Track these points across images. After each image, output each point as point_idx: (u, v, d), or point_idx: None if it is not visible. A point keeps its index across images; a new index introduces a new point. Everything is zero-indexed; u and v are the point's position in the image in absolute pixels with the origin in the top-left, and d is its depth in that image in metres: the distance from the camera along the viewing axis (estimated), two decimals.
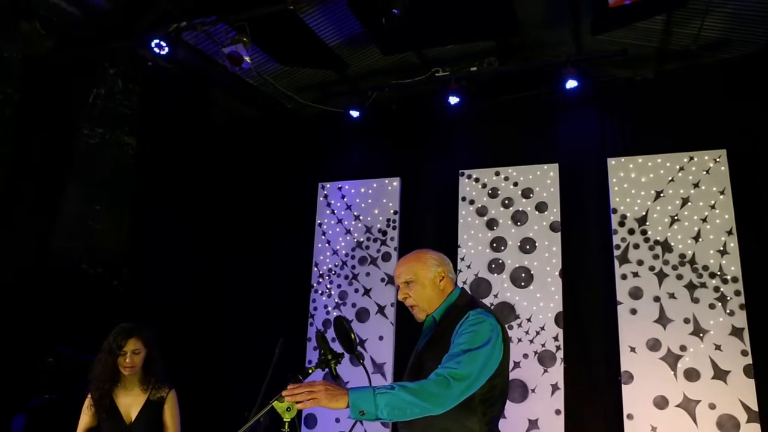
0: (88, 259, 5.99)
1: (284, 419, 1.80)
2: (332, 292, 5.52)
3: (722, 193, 4.60)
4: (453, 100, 5.58)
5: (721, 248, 4.50)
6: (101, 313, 5.63)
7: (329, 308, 5.53)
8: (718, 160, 4.65)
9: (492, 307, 4.20)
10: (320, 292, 5.62)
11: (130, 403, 2.68)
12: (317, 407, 1.72)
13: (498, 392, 1.94)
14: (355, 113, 5.94)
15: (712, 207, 4.60)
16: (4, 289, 5.03)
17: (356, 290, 5.45)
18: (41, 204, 5.55)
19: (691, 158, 4.73)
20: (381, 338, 5.22)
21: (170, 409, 2.74)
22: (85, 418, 2.66)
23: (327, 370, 1.89)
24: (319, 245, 5.76)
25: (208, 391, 5.59)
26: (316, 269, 5.70)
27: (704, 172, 4.68)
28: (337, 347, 1.98)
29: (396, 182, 5.65)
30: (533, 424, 4.59)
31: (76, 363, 4.65)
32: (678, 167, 4.75)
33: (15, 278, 5.16)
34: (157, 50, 5.01)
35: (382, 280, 5.37)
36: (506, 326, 2.10)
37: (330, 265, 5.63)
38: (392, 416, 1.67)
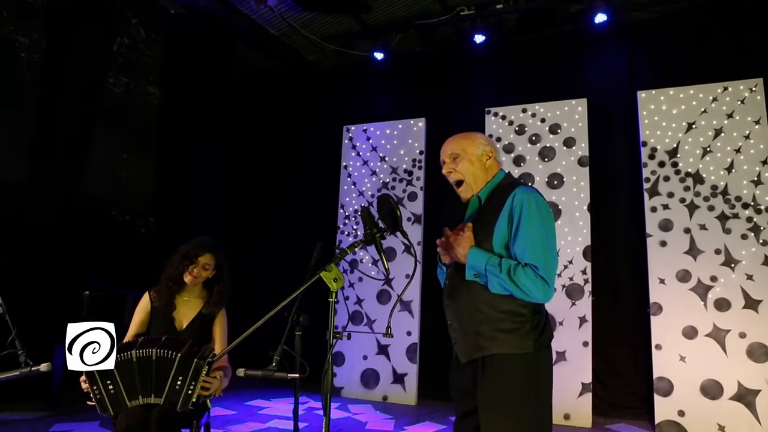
0: (117, 206, 6.12)
1: (331, 289, 1.84)
2: (358, 233, 5.56)
3: (757, 122, 4.49)
4: (479, 38, 5.51)
5: (755, 178, 4.42)
6: (130, 256, 5.78)
7: (356, 248, 5.57)
8: (754, 89, 4.53)
9: None
10: (346, 233, 5.66)
11: (185, 312, 2.74)
12: None
13: None
14: (379, 55, 5.92)
15: (747, 137, 4.50)
16: (42, 230, 5.17)
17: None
18: (71, 150, 5.64)
19: (726, 88, 4.61)
20: (407, 276, 5.27)
21: (220, 324, 2.80)
22: (140, 316, 2.70)
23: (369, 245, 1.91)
24: (345, 187, 5.78)
25: (240, 325, 5.71)
26: (342, 211, 5.74)
27: (739, 102, 4.56)
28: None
29: (421, 122, 5.62)
30: (561, 356, 4.62)
31: (109, 296, 4.80)
32: (711, 98, 4.64)
33: (51, 220, 5.30)
34: None
35: (409, 219, 5.39)
36: None
37: (356, 206, 5.66)
38: (492, 289, 1.82)
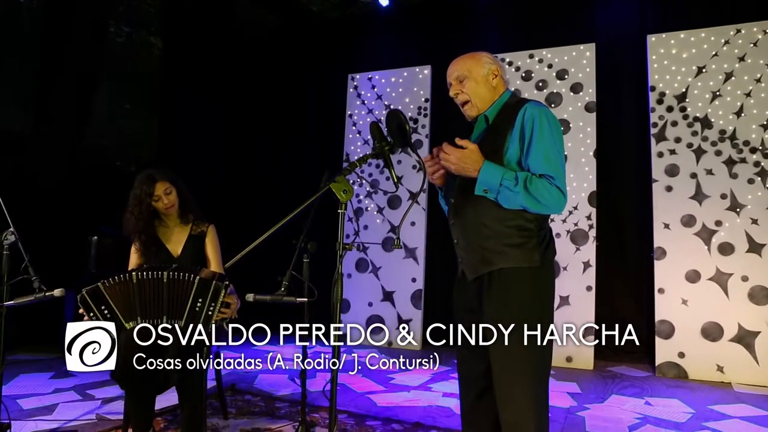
0: (121, 157, 6.12)
1: (341, 200, 1.85)
2: (363, 182, 5.56)
3: None
4: None
5: (765, 122, 4.37)
6: None
7: (361, 197, 5.59)
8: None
9: None
10: (351, 181, 5.65)
11: (175, 239, 2.76)
12: None
13: None
14: (384, 1, 5.81)
15: (758, 81, 4.43)
16: (48, 180, 5.19)
17: (387, 178, 5.48)
18: (74, 100, 5.60)
19: (738, 31, 4.52)
20: (413, 224, 5.30)
21: (211, 242, 2.82)
22: (134, 258, 2.71)
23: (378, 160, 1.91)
24: (350, 136, 5.76)
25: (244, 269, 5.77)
26: (347, 160, 5.73)
27: (752, 45, 4.48)
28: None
29: (427, 70, 5.55)
30: (564, 300, 4.68)
31: (115, 242, 4.83)
32: (723, 41, 4.55)
33: (56, 170, 5.31)
34: None
35: (414, 167, 5.38)
36: None
37: (361, 155, 5.64)
38: (505, 204, 1.82)
